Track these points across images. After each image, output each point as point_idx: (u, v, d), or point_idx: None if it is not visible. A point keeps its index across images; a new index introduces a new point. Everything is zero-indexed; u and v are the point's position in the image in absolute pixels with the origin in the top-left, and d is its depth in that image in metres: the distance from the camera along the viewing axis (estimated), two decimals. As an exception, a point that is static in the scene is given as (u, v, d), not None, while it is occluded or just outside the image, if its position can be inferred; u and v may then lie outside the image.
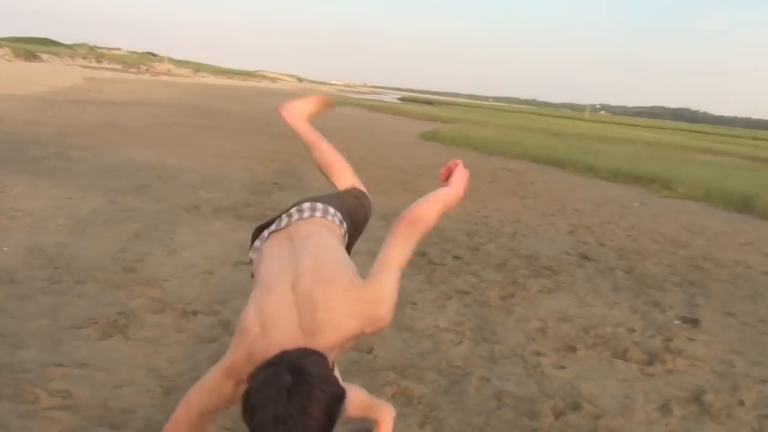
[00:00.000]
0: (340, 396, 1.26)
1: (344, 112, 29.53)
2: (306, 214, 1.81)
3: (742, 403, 3.08)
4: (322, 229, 1.75)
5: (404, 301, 4.02)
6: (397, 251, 1.60)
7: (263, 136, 13.77)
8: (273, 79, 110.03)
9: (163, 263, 4.27)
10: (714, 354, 3.70)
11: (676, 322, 4.21)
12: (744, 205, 10.12)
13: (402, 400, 2.75)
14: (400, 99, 77.72)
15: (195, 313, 3.47)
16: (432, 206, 1.75)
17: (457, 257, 5.26)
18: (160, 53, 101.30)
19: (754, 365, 3.60)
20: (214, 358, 2.89)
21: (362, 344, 3.29)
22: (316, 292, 1.44)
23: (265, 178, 8.13)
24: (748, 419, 2.91)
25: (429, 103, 66.94)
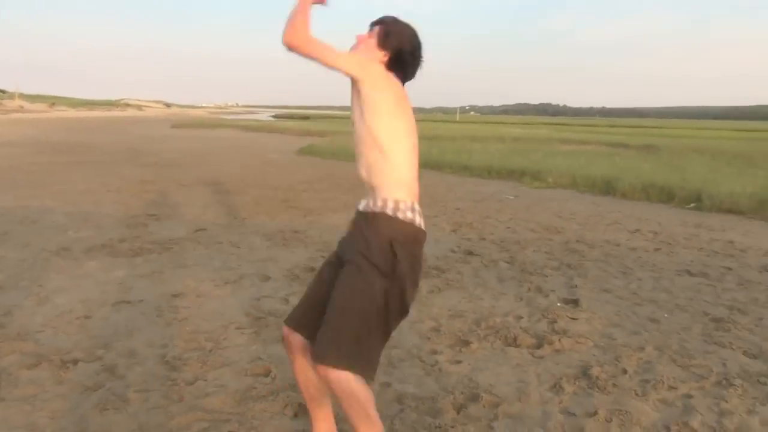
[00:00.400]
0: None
1: (217, 134, 28.91)
2: None
3: (624, 371, 3.28)
4: None
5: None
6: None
7: (134, 166, 13.19)
8: (139, 107, 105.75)
9: (33, 313, 3.96)
10: (595, 329, 3.93)
11: (559, 304, 4.43)
12: (607, 188, 10.88)
13: (305, 419, 2.70)
14: (274, 116, 77.11)
15: (75, 361, 3.23)
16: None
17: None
18: (10, 89, 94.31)
19: (631, 335, 3.85)
20: (102, 406, 2.73)
21: (259, 368, 3.22)
22: None
23: (140, 210, 7.77)
24: (631, 385, 3.10)
25: (305, 118, 66.93)
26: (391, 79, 2.16)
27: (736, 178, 11.31)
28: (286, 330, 2.29)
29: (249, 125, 38.77)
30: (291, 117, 71.09)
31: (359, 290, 2.05)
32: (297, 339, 2.24)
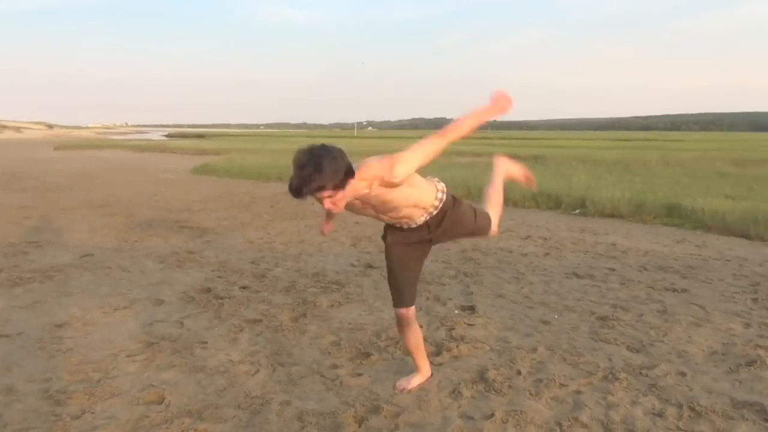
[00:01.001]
0: (340, 157, 2.42)
1: (105, 155, 27.64)
2: None
3: (519, 372, 3.40)
4: None
5: (192, 342, 3.85)
6: (421, 143, 2.70)
7: (11, 191, 12.35)
8: (18, 129, 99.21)
9: None
10: (491, 334, 4.05)
11: (456, 312, 4.54)
12: (499, 198, 11.26)
13: (202, 444, 2.61)
14: (167, 136, 74.64)
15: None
16: (464, 118, 2.75)
17: (244, 287, 5.15)
18: None
19: (524, 337, 4.00)
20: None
21: (152, 395, 3.08)
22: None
23: (19, 238, 7.27)
24: (525, 386, 3.21)
25: (199, 136, 65.25)
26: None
27: (615, 185, 12.05)
28: (403, 310, 3.18)
29: (140, 145, 37.31)
30: (185, 136, 68.96)
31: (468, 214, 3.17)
32: (412, 311, 3.19)
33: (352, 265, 6.04)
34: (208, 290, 5.03)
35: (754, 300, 4.88)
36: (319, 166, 2.36)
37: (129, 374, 3.36)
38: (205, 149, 30.94)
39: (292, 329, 4.11)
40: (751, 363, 3.53)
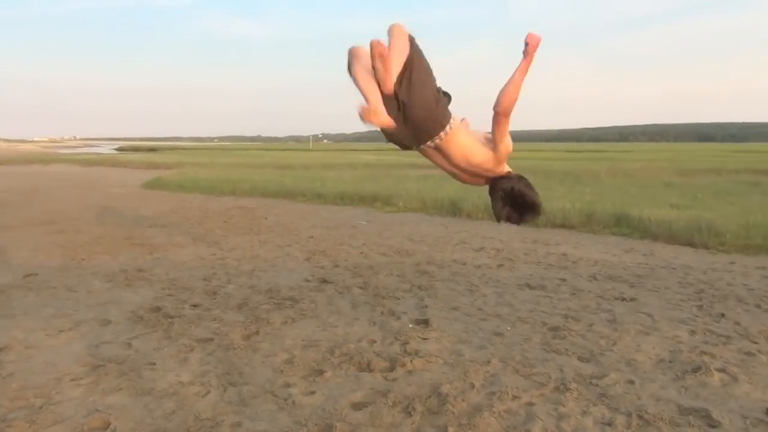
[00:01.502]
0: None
1: (51, 170, 26.87)
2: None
3: (472, 386, 3.41)
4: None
5: (140, 363, 3.74)
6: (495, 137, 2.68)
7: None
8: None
9: None
10: (445, 347, 4.05)
11: (411, 326, 4.53)
12: (454, 210, 11.39)
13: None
14: (117, 149, 73.05)
15: None
16: (512, 88, 2.55)
17: (195, 305, 5.05)
18: None
19: (478, 349, 4.02)
20: None
21: (96, 421, 2.98)
22: None
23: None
24: (478, 399, 3.23)
25: (151, 150, 64.14)
26: None
27: (566, 195, 12.30)
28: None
29: (88, 159, 36.37)
30: (137, 149, 67.64)
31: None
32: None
33: (307, 281, 5.99)
34: (158, 309, 4.91)
35: (699, 307, 5.02)
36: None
37: (73, 399, 3.25)
38: (157, 163, 30.38)
39: (244, 348, 4.04)
40: (696, 369, 3.63)
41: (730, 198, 12.68)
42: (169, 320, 4.61)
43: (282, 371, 3.64)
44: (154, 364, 3.74)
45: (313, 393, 3.32)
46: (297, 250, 7.68)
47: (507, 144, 2.71)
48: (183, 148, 70.58)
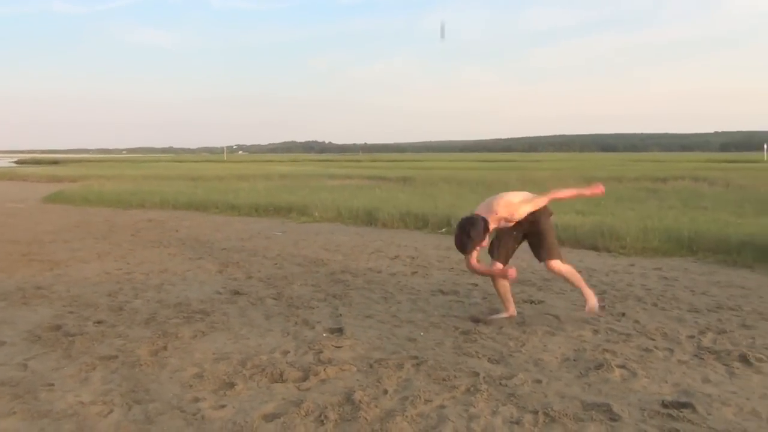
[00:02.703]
0: (478, 223, 4.33)
1: (-57, 184, 25.12)
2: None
3: (385, 392, 3.41)
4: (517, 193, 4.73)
5: (37, 385, 3.53)
6: (534, 201, 4.60)
7: None
8: None
9: None
10: (359, 355, 4.05)
11: (324, 335, 4.50)
12: (369, 219, 11.44)
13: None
14: (16, 162, 69.03)
15: None
16: (568, 191, 5.04)
17: (99, 322, 4.82)
18: None
19: (391, 356, 4.04)
20: None
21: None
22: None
23: None
24: (391, 405, 3.24)
25: (54, 162, 61.10)
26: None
27: (478, 203, 12.57)
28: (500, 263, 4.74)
29: (-17, 172, 34.23)
30: (38, 162, 64.07)
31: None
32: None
33: (218, 293, 5.85)
34: (58, 327, 4.66)
35: (602, 307, 5.24)
36: (468, 235, 4.40)
37: (-40, 426, 3.02)
38: (60, 176, 28.95)
39: (150, 364, 3.89)
40: (599, 366, 3.78)
41: (630, 204, 13.36)
42: (70, 338, 4.38)
43: (191, 386, 3.53)
44: (52, 385, 3.54)
45: (223, 407, 3.23)
46: (209, 262, 7.50)
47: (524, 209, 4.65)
48: (89, 161, 67.48)
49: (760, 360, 3.88)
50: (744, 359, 3.90)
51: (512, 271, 4.54)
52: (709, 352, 4.07)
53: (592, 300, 4.89)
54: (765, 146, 56.52)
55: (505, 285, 4.62)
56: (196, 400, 3.32)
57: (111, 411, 3.19)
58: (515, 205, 4.47)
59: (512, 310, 4.84)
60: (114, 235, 9.85)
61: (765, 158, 49.51)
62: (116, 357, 4.01)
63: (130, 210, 14.15)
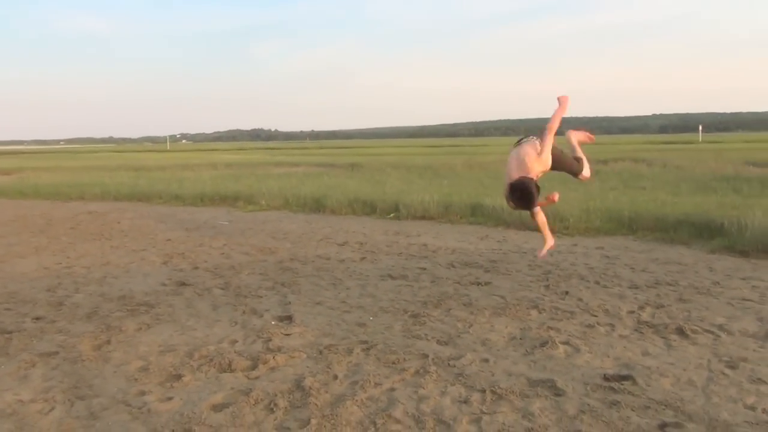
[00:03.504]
0: (531, 183, 4.29)
1: None
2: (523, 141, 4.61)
3: (335, 377, 3.42)
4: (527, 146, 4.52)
5: (-28, 384, 3.40)
6: (545, 143, 4.44)
7: None
8: None
9: None
10: (308, 342, 4.04)
11: (273, 323, 4.47)
12: (317, 206, 11.38)
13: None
14: (-56, 155, 65.84)
15: None
16: (553, 120, 4.58)
17: (37, 318, 4.67)
18: None
19: (341, 341, 4.04)
20: None
21: None
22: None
23: None
24: (341, 389, 3.25)
25: (-14, 155, 58.63)
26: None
27: (426, 189, 12.68)
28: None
29: None
30: (-33, 155, 61.32)
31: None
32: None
33: (164, 285, 5.73)
34: (-6, 325, 4.49)
35: (546, 287, 5.37)
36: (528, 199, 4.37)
37: None
38: (-8, 169, 27.79)
39: (93, 359, 3.79)
40: (544, 344, 3.88)
41: (573, 185, 13.59)
42: (7, 336, 4.23)
43: (136, 379, 3.45)
44: (-11, 384, 3.41)
45: (170, 399, 3.18)
46: (153, 253, 7.34)
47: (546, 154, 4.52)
48: (23, 152, 64.97)
49: (695, 332, 4.05)
50: (681, 332, 4.07)
51: (556, 195, 4.81)
52: (648, 326, 4.22)
53: None
54: (699, 128, 58.66)
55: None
56: (142, 393, 3.26)
57: (52, 408, 3.10)
58: (541, 159, 4.61)
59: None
60: (52, 229, 9.52)
61: (700, 139, 51.43)
62: (57, 353, 3.90)
63: (70, 203, 13.70)
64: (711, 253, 6.72)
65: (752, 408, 2.94)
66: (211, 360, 3.71)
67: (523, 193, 4.68)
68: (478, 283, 5.54)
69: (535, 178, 4.76)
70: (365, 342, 4.00)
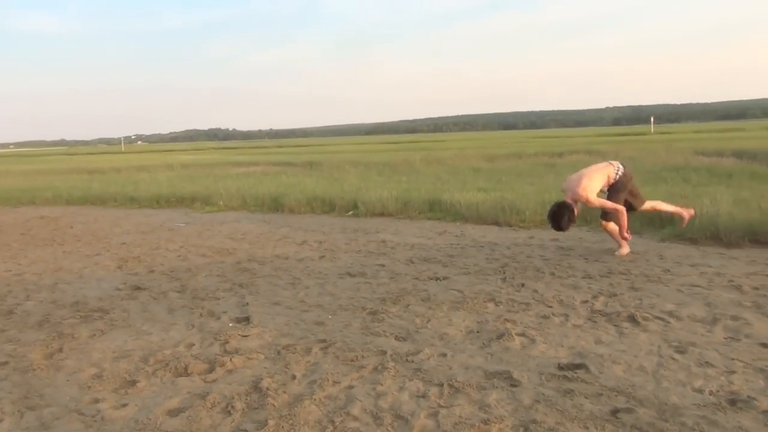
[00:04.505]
0: (570, 209, 6.06)
1: None
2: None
3: (293, 377, 3.41)
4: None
5: None
6: (590, 200, 6.16)
7: None
8: None
9: None
10: (266, 343, 4.01)
11: (231, 325, 4.43)
12: (275, 206, 11.31)
13: None
14: None
15: None
16: (601, 201, 6.20)
17: (-14, 327, 4.53)
18: None
19: (299, 340, 4.03)
20: None
21: None
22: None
23: None
24: (300, 389, 3.24)
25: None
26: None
27: (384, 185, 12.71)
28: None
29: None
30: None
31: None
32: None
33: (118, 289, 5.63)
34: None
35: (503, 279, 5.45)
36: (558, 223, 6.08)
37: None
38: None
39: (45, 367, 3.71)
40: (500, 336, 3.93)
41: (530, 179, 13.88)
42: (-47, 347, 4.10)
43: (89, 387, 3.39)
44: (-66, 397, 3.31)
45: (124, 405, 3.13)
46: (107, 258, 7.20)
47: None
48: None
49: (646, 319, 4.16)
50: (632, 319, 4.17)
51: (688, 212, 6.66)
52: (601, 314, 4.32)
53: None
54: (651, 119, 60.07)
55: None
56: (96, 401, 3.20)
57: (1, 420, 3.01)
58: (588, 194, 6.13)
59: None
60: (1, 236, 9.25)
61: (651, 130, 52.69)
62: (6, 363, 3.79)
63: (20, 208, 13.34)
64: (661, 242, 6.91)
65: (700, 391, 3.04)
66: (167, 364, 3.66)
67: (554, 216, 6.08)
68: (437, 278, 5.59)
69: (572, 203, 6.10)
70: (324, 341, 3.99)
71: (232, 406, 3.04)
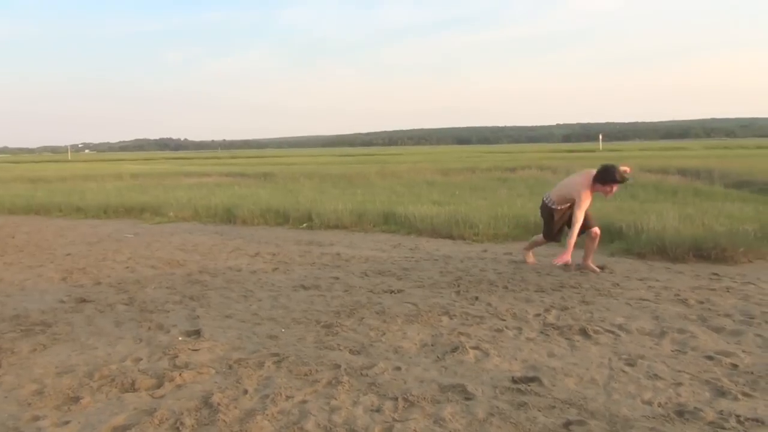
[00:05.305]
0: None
1: None
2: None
3: (245, 392, 3.33)
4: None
5: None
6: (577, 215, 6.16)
7: None
8: None
9: None
10: (217, 357, 3.92)
11: (180, 338, 4.31)
12: (228, 217, 11.15)
13: None
14: None
15: None
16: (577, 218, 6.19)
17: None
18: None
19: (251, 354, 3.94)
20: None
21: None
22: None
23: None
24: (252, 404, 3.16)
25: None
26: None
27: (339, 198, 12.68)
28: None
29: None
30: None
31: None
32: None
33: (62, 302, 5.43)
34: None
35: (457, 293, 5.47)
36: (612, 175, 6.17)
37: None
38: None
39: (-19, 384, 3.53)
40: (455, 350, 3.93)
41: (483, 193, 14.05)
42: None
43: (29, 404, 3.24)
44: None
45: (67, 423, 3.00)
46: (51, 269, 6.95)
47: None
48: None
49: (597, 332, 4.23)
50: (584, 332, 4.23)
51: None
52: (554, 328, 4.37)
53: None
54: (600, 137, 61.73)
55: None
56: (36, 418, 3.06)
57: (-68, 440, 2.86)
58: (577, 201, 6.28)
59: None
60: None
61: (600, 147, 54.11)
62: (-61, 380, 3.60)
63: (-42, 217, 12.80)
64: (611, 256, 7.06)
65: (649, 403, 3.09)
66: (113, 380, 3.53)
67: (606, 170, 6.18)
68: (391, 291, 5.57)
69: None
70: (277, 354, 3.92)
71: (182, 423, 2.94)
